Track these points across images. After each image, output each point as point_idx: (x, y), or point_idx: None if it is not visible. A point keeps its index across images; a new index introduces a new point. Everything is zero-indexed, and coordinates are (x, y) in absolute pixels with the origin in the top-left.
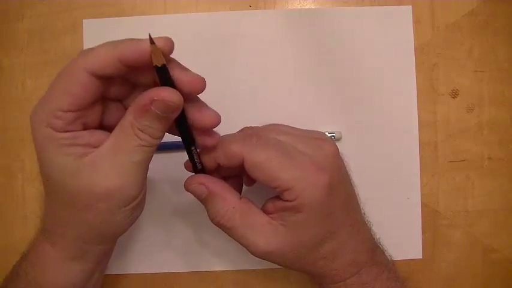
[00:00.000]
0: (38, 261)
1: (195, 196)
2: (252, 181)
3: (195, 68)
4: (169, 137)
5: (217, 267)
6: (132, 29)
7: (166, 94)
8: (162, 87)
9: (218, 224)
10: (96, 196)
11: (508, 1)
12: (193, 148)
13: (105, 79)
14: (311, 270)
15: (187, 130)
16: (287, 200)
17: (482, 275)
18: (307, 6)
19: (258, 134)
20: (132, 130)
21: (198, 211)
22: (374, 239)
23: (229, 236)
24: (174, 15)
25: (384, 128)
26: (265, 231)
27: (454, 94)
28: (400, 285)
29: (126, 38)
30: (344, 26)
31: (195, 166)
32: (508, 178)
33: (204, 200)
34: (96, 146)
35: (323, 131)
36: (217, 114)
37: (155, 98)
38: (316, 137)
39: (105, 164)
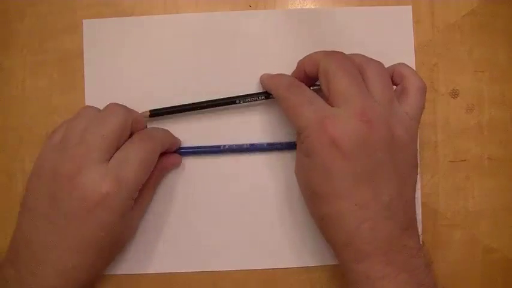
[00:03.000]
0: None
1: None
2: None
3: (195, 68)
4: None
5: (217, 267)
6: (132, 29)
7: (179, 160)
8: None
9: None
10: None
11: (508, 1)
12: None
13: None
14: (320, 226)
15: None
16: (299, 140)
17: (482, 275)
18: (307, 6)
19: (326, 68)
20: (153, 187)
21: (198, 211)
22: (401, 240)
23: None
24: (174, 15)
25: None
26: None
27: (454, 94)
28: None
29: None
30: (344, 26)
31: None
32: (508, 178)
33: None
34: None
35: None
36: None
37: (175, 165)
38: (386, 93)
39: (138, 216)
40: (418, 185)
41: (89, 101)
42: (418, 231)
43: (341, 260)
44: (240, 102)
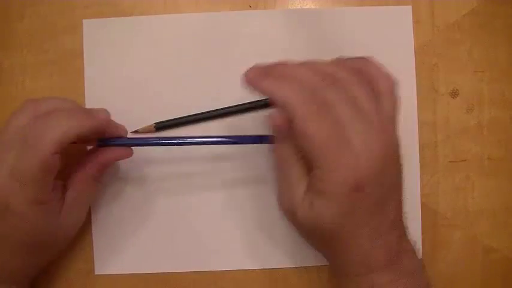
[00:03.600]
0: None
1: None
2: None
3: (195, 67)
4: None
5: (217, 267)
6: (132, 29)
7: (128, 152)
8: (118, 148)
9: (276, 156)
10: (69, 236)
11: (508, 1)
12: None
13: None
14: (323, 253)
15: None
16: (315, 177)
17: (482, 275)
18: (307, 6)
19: (325, 97)
20: (93, 184)
21: (199, 211)
22: (402, 245)
23: (277, 170)
24: (174, 15)
25: None
26: (296, 192)
27: (454, 94)
28: None
29: (125, 38)
30: (344, 26)
31: None
32: (508, 178)
33: (277, 136)
34: (59, 198)
35: None
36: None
37: (118, 158)
38: (384, 123)
39: (76, 210)
40: (418, 185)
41: (88, 101)
42: (406, 231)
43: (343, 274)
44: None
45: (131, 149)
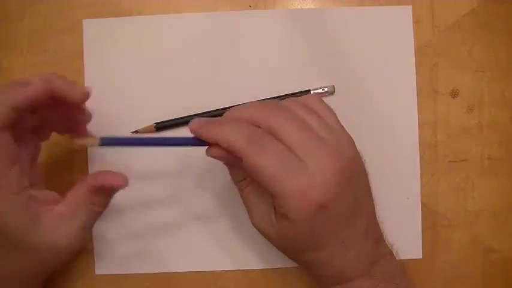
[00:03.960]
0: None
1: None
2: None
3: (195, 68)
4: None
5: (218, 267)
6: (132, 29)
7: (117, 179)
8: (112, 173)
9: (235, 183)
10: (51, 254)
11: (508, 1)
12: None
13: (9, 125)
14: (301, 266)
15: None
16: (277, 205)
17: (482, 275)
18: (307, 6)
19: (271, 126)
20: (85, 204)
21: (199, 211)
22: (377, 251)
23: (239, 192)
24: (174, 15)
25: (383, 128)
26: (263, 213)
27: (454, 94)
28: None
29: (125, 38)
30: (344, 26)
31: None
32: (508, 178)
33: (226, 164)
34: (47, 204)
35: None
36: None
37: (106, 185)
38: (323, 151)
39: (63, 229)
40: (418, 185)
41: (88, 101)
42: (383, 236)
43: (323, 284)
44: None
45: (125, 178)
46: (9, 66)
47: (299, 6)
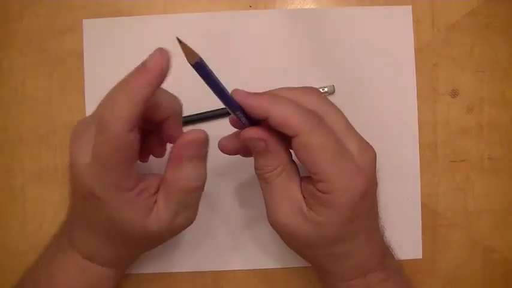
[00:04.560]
0: (71, 271)
1: (250, 147)
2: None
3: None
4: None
5: (217, 267)
6: (132, 29)
7: (193, 137)
8: (183, 135)
9: (260, 175)
10: (157, 239)
11: (508, 1)
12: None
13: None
14: (316, 262)
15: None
16: (320, 191)
17: (482, 275)
18: (307, 6)
19: (321, 113)
20: (176, 183)
21: (199, 211)
22: (386, 245)
23: (261, 188)
24: (174, 15)
25: (383, 128)
26: (293, 207)
27: (454, 94)
28: None
29: (125, 38)
30: (344, 26)
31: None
32: (508, 178)
33: (258, 153)
34: (154, 193)
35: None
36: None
37: (184, 145)
38: (363, 139)
39: (165, 215)
40: (418, 185)
41: (88, 101)
42: None
43: (338, 280)
44: None
45: (203, 133)
46: (9, 66)
47: (299, 6)
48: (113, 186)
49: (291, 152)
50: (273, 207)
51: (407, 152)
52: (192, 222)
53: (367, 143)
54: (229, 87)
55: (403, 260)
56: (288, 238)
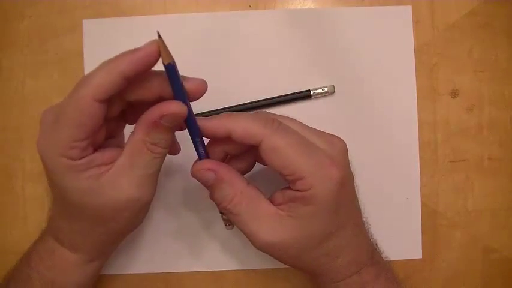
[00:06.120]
0: (56, 264)
1: (201, 182)
2: (253, 165)
3: (195, 68)
4: None
5: (218, 267)
6: (132, 29)
7: (175, 107)
8: (167, 101)
9: (224, 210)
10: (118, 209)
11: (508, 1)
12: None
13: (108, 100)
14: (311, 268)
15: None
16: (298, 190)
17: (482, 275)
18: (307, 6)
19: (278, 119)
20: (145, 146)
21: (199, 211)
22: (372, 239)
23: (234, 222)
24: (174, 15)
25: (383, 128)
26: (271, 221)
27: (454, 94)
28: (397, 286)
29: (125, 38)
30: (344, 26)
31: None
32: (508, 178)
33: (211, 186)
34: (108, 163)
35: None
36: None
37: (165, 113)
38: (327, 134)
39: (124, 180)
40: (418, 185)
41: None
42: None
43: (331, 281)
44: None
45: (181, 105)
46: (9, 66)
47: (299, 6)
48: (58, 151)
49: (245, 178)
50: (253, 232)
51: (407, 152)
52: (150, 200)
53: (334, 136)
54: (229, 87)
55: (403, 260)
56: (281, 253)
